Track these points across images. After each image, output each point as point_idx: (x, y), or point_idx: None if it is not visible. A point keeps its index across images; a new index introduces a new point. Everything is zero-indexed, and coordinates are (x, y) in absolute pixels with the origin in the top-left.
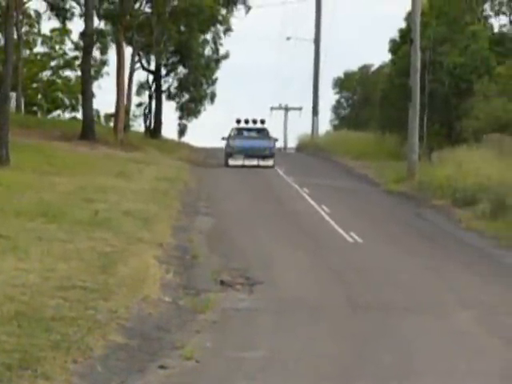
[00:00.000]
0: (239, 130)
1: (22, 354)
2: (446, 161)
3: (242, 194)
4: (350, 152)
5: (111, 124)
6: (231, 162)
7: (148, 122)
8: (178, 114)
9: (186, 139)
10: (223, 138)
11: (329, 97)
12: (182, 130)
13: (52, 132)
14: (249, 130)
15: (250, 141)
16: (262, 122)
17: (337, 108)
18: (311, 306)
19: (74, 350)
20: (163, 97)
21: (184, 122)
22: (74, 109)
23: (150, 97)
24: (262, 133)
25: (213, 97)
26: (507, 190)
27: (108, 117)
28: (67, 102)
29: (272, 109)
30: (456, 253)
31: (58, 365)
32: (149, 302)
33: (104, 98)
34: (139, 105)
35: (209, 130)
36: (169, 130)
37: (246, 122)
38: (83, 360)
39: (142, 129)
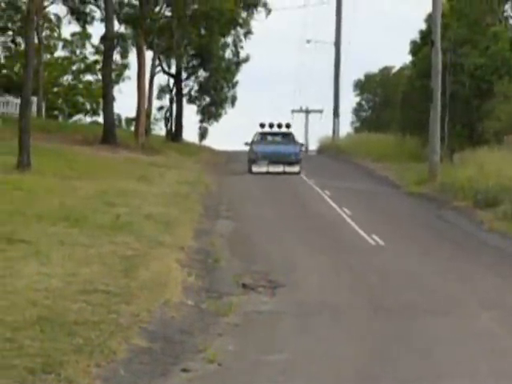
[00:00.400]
0: (263, 135)
1: (45, 358)
2: (468, 162)
3: (263, 196)
4: (370, 154)
5: (132, 128)
6: (255, 168)
7: (169, 125)
8: (198, 117)
9: (207, 143)
10: (246, 144)
11: (349, 99)
12: (202, 134)
13: (73, 136)
14: (273, 134)
15: (275, 146)
16: (288, 126)
17: (358, 110)
18: (333, 308)
19: (96, 353)
20: (184, 100)
21: (205, 125)
22: (94, 113)
23: (171, 100)
24: (288, 137)
25: (233, 100)
26: None
27: (129, 121)
28: (88, 106)
29: (293, 111)
30: (478, 254)
31: (80, 369)
32: (171, 306)
33: (125, 102)
34: (160, 108)
35: (230, 133)
36: (190, 133)
37: (271, 126)
38: (106, 364)
39: (163, 132)
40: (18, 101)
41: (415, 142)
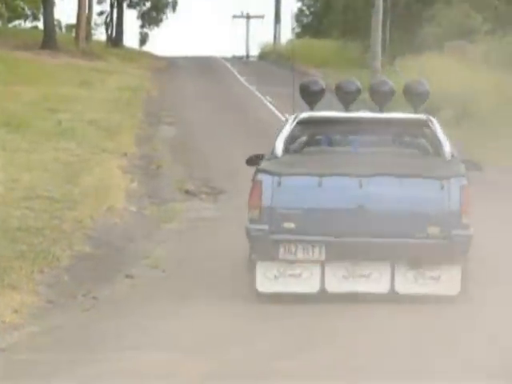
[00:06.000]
0: (318, 138)
1: None
2: (409, 68)
3: (205, 102)
4: (312, 60)
5: (73, 34)
6: (268, 284)
7: (109, 30)
8: (139, 22)
9: (147, 48)
10: (248, 162)
11: (290, 5)
12: (143, 39)
13: (13, 41)
14: (355, 130)
15: (364, 181)
16: (422, 95)
17: (299, 16)
18: None
19: (40, 259)
20: (124, 5)
21: (145, 30)
22: (35, 18)
23: (112, 5)
24: (415, 146)
25: (174, 5)
26: (470, 97)
27: (69, 27)
28: (28, 11)
29: (234, 17)
30: None
31: (24, 275)
32: (114, 212)
33: (65, 8)
34: (100, 13)
35: (171, 39)
36: (130, 39)
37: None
38: (50, 270)
39: (103, 38)
40: None
41: (357, 48)
